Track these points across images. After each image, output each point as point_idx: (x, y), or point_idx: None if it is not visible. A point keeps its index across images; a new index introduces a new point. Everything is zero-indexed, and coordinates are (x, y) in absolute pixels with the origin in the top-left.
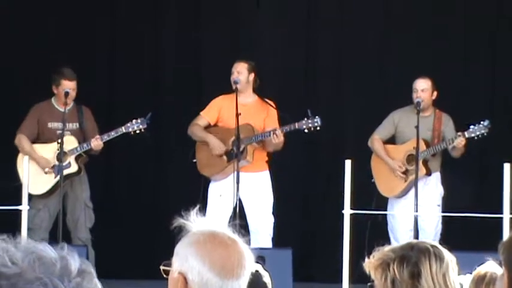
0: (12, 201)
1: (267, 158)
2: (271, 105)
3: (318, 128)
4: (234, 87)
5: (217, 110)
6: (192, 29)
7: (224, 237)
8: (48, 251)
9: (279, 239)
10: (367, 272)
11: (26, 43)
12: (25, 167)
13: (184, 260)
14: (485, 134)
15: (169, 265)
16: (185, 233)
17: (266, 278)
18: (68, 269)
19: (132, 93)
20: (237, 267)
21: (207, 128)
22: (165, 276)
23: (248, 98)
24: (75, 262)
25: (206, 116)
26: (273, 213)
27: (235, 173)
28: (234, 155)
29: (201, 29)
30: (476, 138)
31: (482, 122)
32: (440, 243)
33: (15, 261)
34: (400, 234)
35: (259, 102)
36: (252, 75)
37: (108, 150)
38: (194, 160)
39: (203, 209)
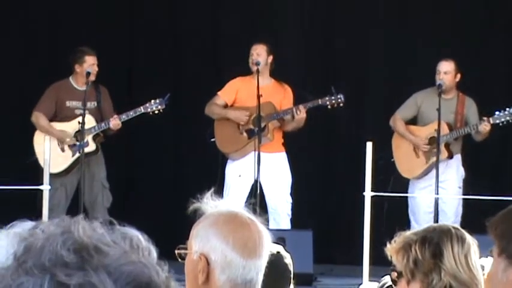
0: (30, 180)
1: (282, 140)
2: (287, 87)
3: (342, 105)
4: (254, 68)
5: (235, 91)
6: (210, 11)
7: (244, 217)
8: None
9: (299, 221)
10: (389, 257)
11: (45, 21)
12: (46, 146)
13: (205, 241)
14: (510, 121)
15: (185, 248)
16: (201, 215)
17: (287, 259)
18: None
19: (152, 74)
20: (258, 246)
21: (225, 108)
22: (180, 260)
23: (266, 80)
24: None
25: (224, 96)
26: (291, 194)
27: (256, 152)
28: (256, 132)
29: (219, 11)
30: (501, 124)
31: (508, 109)
32: (461, 226)
33: (117, 242)
34: (420, 216)
35: (276, 84)
36: (271, 57)
37: (127, 130)
38: (212, 139)
39: (221, 190)
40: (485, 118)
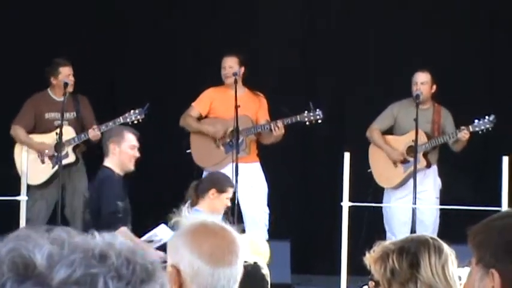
0: (10, 192)
1: (257, 151)
2: (261, 96)
3: (320, 121)
4: (228, 81)
5: (209, 102)
6: (193, 21)
7: (214, 227)
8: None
9: (276, 231)
10: (368, 266)
11: (23, 35)
12: (24, 157)
13: (175, 252)
14: (489, 128)
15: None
16: (177, 227)
17: (265, 269)
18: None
19: (133, 85)
20: (227, 254)
21: (199, 119)
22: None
23: (239, 89)
24: None
25: (198, 107)
26: (268, 204)
27: (234, 164)
28: (233, 146)
29: (201, 22)
30: (480, 132)
31: (487, 117)
32: (439, 236)
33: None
34: (395, 225)
35: (250, 94)
36: (243, 68)
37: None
38: (188, 151)
39: None
40: (464, 127)
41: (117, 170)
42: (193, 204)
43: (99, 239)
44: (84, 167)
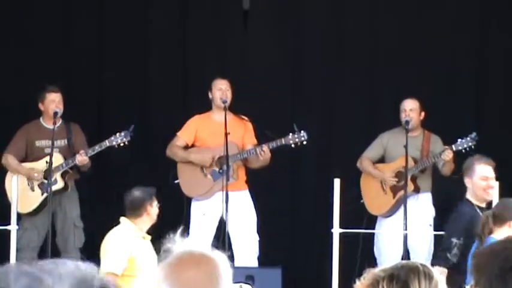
0: (1, 220)
1: (246, 178)
2: (247, 121)
3: (305, 143)
4: (222, 105)
5: (194, 130)
6: (179, 50)
7: (198, 257)
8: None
9: (267, 258)
10: None
11: (14, 64)
12: (14, 186)
13: (158, 284)
14: (472, 146)
15: None
16: (167, 255)
17: None
18: None
19: (120, 108)
20: (209, 285)
21: (185, 148)
22: None
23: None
24: None
25: (184, 136)
26: (258, 231)
27: (224, 192)
28: (222, 173)
29: (188, 51)
30: (464, 151)
31: (469, 135)
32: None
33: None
34: (386, 253)
35: (235, 119)
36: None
37: (97, 169)
38: (176, 181)
39: (186, 229)
40: (447, 147)
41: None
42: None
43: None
44: (77, 194)
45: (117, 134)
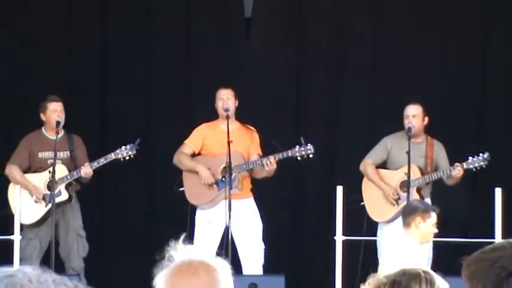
0: (2, 231)
1: (251, 186)
2: (253, 131)
3: (311, 156)
4: (224, 114)
5: (201, 138)
6: (182, 59)
7: (198, 266)
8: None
9: (271, 266)
10: None
11: (18, 73)
12: (17, 196)
13: None
14: (484, 166)
15: None
16: (168, 263)
17: None
18: None
19: (124, 120)
20: None
21: (192, 156)
22: None
23: (232, 124)
24: None
25: (190, 144)
26: (263, 240)
27: (227, 201)
28: (226, 183)
29: (190, 59)
30: (474, 170)
31: (482, 154)
32: (432, 269)
33: None
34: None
35: (242, 128)
36: (236, 102)
37: (101, 179)
38: (181, 189)
39: (191, 237)
40: (458, 164)
41: None
42: None
43: None
44: (78, 205)
45: (123, 147)
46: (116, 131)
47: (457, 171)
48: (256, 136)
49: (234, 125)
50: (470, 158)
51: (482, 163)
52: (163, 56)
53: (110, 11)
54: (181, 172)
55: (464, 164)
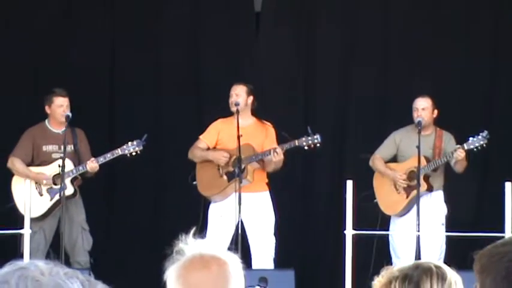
0: (5, 224)
1: (267, 180)
2: (269, 126)
3: (318, 145)
4: (234, 109)
5: (216, 133)
6: (191, 53)
7: (209, 259)
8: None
9: (281, 260)
10: None
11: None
12: (26, 189)
13: (167, 285)
14: (484, 145)
15: None
16: (179, 256)
17: None
18: None
19: (133, 116)
20: (219, 286)
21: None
22: None
23: (247, 120)
24: None
25: (205, 139)
26: (274, 234)
27: (237, 193)
28: (236, 175)
29: (200, 53)
30: (475, 150)
31: (481, 133)
32: (445, 263)
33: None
34: (401, 253)
35: (257, 124)
36: (251, 98)
37: (108, 172)
38: (194, 182)
39: (203, 231)
40: (459, 146)
41: None
42: None
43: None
44: (81, 199)
45: (130, 142)
46: (125, 127)
47: (459, 152)
48: (271, 131)
49: (250, 120)
50: (470, 138)
51: (482, 142)
52: (173, 50)
53: (119, 6)
54: (195, 166)
55: (465, 145)
